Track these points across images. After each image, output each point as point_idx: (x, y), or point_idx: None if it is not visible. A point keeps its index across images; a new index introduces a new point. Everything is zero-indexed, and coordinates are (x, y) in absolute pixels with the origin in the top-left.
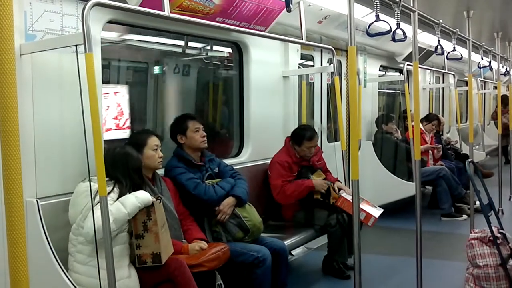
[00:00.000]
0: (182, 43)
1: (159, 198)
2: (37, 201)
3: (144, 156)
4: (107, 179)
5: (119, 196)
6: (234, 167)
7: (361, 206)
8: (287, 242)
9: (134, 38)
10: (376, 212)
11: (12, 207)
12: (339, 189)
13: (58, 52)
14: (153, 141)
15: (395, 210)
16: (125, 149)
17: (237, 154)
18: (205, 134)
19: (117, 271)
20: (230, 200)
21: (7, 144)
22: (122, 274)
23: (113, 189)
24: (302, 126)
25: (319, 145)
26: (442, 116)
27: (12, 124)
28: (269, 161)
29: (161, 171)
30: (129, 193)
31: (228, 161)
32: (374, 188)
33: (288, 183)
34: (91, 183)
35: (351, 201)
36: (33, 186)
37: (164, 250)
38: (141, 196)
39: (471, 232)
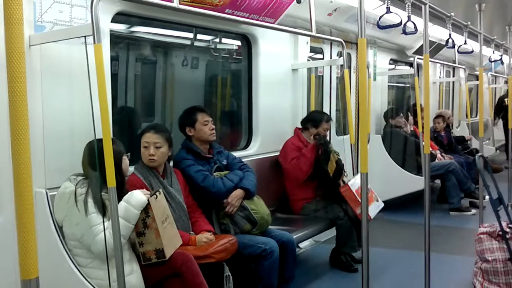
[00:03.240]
0: (191, 35)
1: (155, 193)
2: (46, 191)
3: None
4: (75, 176)
5: (91, 195)
6: (243, 160)
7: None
8: (294, 235)
9: (142, 30)
10: (373, 210)
11: (22, 197)
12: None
13: (67, 43)
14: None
15: (404, 204)
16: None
17: (246, 146)
18: (213, 127)
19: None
20: (238, 193)
21: (16, 135)
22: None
23: (81, 185)
24: (317, 111)
25: (327, 138)
26: (452, 110)
27: (21, 115)
28: (278, 154)
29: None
30: (101, 191)
31: (236, 154)
32: (383, 182)
33: (300, 158)
34: (69, 183)
35: (355, 192)
36: (42, 176)
37: (168, 244)
38: (137, 204)
39: (480, 227)
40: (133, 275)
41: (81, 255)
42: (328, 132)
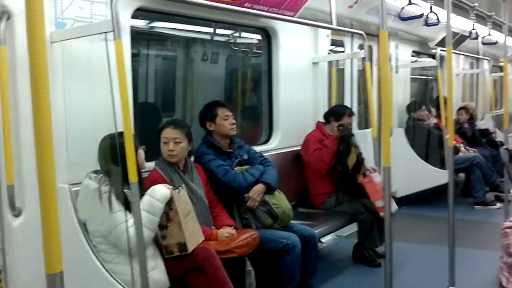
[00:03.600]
0: (210, 30)
1: (178, 187)
2: (69, 187)
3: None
4: (97, 174)
5: (115, 192)
6: (264, 154)
7: None
8: (316, 230)
9: (162, 25)
10: (393, 206)
11: (46, 192)
12: (372, 171)
13: (87, 39)
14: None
15: (428, 198)
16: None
17: (266, 141)
18: (234, 121)
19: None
20: (259, 187)
21: (40, 131)
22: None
23: (103, 182)
24: (339, 104)
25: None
26: (476, 103)
27: (44, 111)
28: (299, 148)
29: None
30: (123, 187)
31: (257, 148)
32: (406, 176)
33: (322, 150)
34: (90, 181)
35: (377, 186)
36: (65, 172)
37: (190, 239)
38: (161, 197)
39: (505, 221)
40: (157, 270)
41: (106, 251)
42: (350, 126)
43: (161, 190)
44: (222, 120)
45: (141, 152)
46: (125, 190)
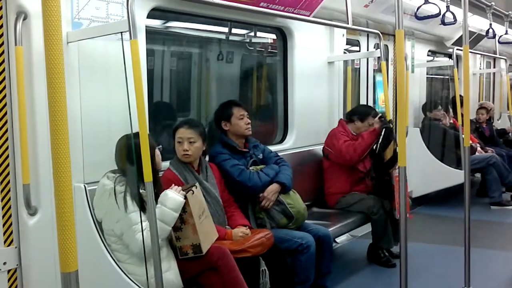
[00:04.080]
0: (225, 29)
1: (191, 188)
2: (84, 186)
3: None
4: (114, 174)
5: (130, 192)
6: (279, 154)
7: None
8: (331, 229)
9: (177, 25)
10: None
11: (61, 191)
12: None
13: (103, 39)
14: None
15: (443, 198)
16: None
17: (282, 140)
18: (249, 121)
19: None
20: (274, 187)
21: (56, 131)
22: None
23: (119, 182)
24: (365, 105)
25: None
26: (493, 102)
27: (60, 111)
28: (313, 148)
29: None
30: (139, 187)
31: (272, 148)
32: (422, 176)
33: (356, 140)
34: (108, 180)
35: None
36: (81, 171)
37: (205, 239)
38: (174, 206)
39: None
40: (171, 271)
41: (120, 251)
42: None
43: (173, 198)
44: (237, 119)
45: (157, 152)
46: (141, 190)
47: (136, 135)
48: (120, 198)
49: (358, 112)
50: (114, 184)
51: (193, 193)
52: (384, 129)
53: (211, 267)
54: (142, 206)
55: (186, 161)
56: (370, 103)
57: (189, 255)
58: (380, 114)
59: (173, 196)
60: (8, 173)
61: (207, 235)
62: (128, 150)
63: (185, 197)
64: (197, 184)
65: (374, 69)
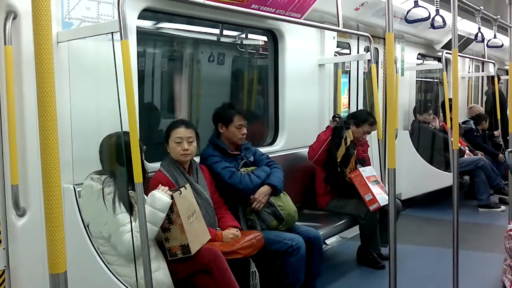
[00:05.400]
0: (217, 31)
1: (180, 188)
2: (74, 187)
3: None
4: (99, 175)
5: (118, 193)
6: (269, 155)
7: (372, 188)
8: (321, 231)
9: (168, 26)
10: (383, 199)
11: (50, 192)
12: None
13: (94, 39)
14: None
15: (432, 200)
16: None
17: (272, 142)
18: (245, 132)
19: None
20: (265, 189)
21: (45, 131)
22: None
23: (107, 183)
24: (365, 111)
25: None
26: (481, 105)
27: (50, 111)
28: (304, 150)
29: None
30: (128, 188)
31: (262, 149)
32: (411, 178)
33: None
34: (93, 182)
35: (365, 179)
36: (70, 172)
37: (194, 240)
38: (162, 207)
39: (509, 223)
40: (160, 271)
41: (108, 253)
42: (366, 134)
43: (161, 199)
44: (234, 128)
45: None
46: (130, 192)
47: (126, 134)
48: (109, 200)
49: (355, 117)
50: (102, 185)
51: (180, 193)
52: (334, 128)
53: (203, 269)
54: (131, 208)
55: (185, 161)
56: (360, 105)
57: (178, 256)
58: (337, 116)
59: (159, 196)
60: None
61: (197, 235)
62: (115, 150)
63: (172, 197)
64: (187, 185)
65: (364, 72)
